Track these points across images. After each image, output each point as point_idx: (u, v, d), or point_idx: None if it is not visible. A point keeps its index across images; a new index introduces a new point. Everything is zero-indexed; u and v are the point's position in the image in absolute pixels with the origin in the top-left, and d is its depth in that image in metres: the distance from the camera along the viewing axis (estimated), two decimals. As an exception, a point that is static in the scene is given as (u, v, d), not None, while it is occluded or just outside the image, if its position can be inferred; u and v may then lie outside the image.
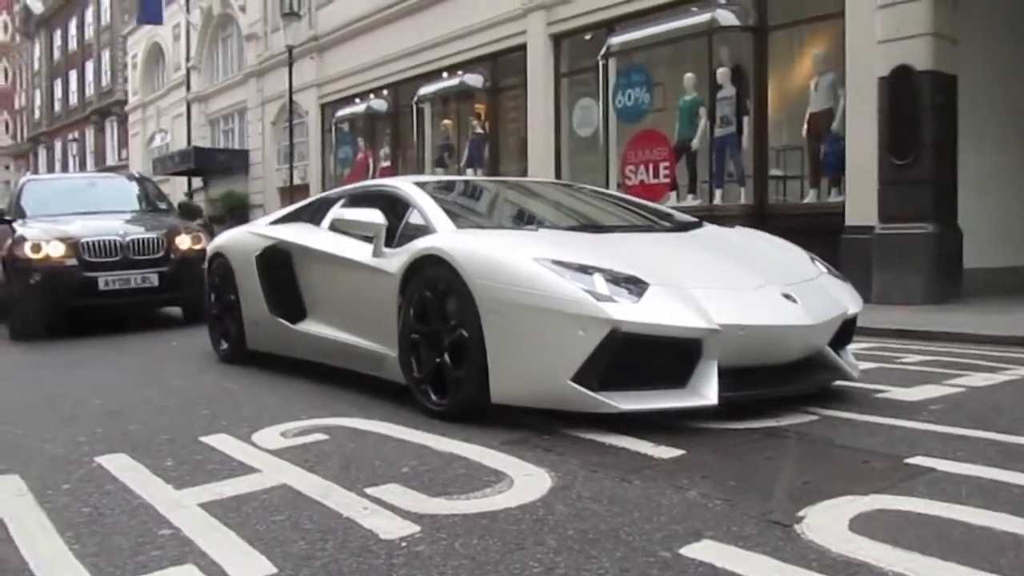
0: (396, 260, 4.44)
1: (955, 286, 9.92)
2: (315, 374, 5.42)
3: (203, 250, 9.20)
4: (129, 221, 9.52)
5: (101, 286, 8.62)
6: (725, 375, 3.66)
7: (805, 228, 11.16)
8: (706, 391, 3.60)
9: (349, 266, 4.88)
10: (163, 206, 10.68)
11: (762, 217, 11.63)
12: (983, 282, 10.15)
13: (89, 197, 10.25)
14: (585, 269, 3.72)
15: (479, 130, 16.41)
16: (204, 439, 3.95)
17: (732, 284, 3.92)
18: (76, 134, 39.73)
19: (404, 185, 5.10)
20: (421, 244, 4.28)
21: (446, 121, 17.33)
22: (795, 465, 3.19)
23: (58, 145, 42.96)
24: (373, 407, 4.44)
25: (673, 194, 12.68)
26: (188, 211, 10.94)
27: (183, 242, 9.22)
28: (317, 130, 20.83)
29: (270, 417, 4.33)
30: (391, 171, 18.65)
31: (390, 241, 4.70)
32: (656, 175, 12.68)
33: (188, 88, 27.19)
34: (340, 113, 19.85)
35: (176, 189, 27.77)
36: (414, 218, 4.72)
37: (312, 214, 5.92)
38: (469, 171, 16.37)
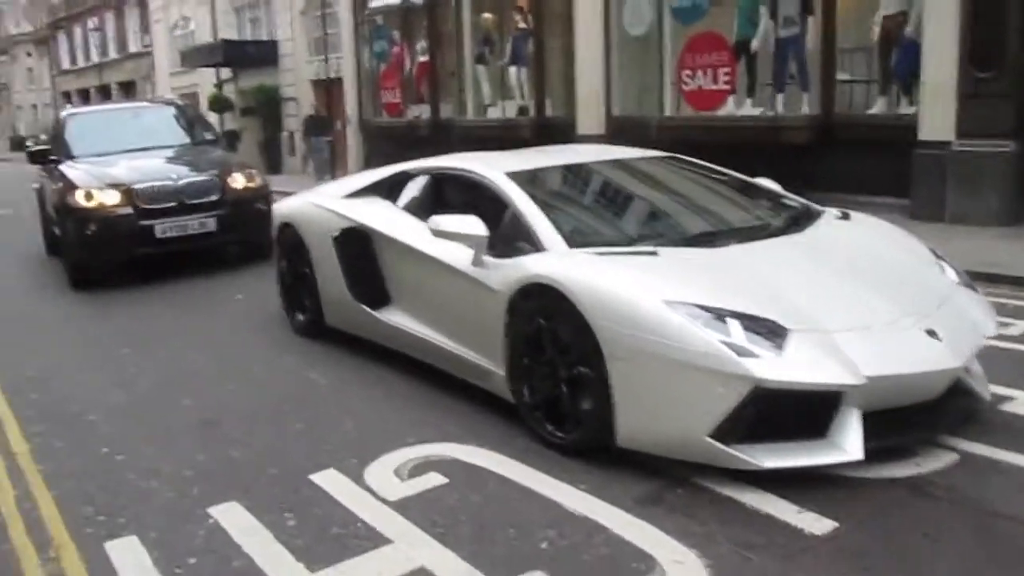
0: (501, 276, 4.19)
1: (1033, 208, 9.52)
2: (402, 363, 5.26)
3: (259, 188, 9.01)
4: (180, 161, 9.25)
5: (158, 234, 8.44)
6: (865, 419, 3.45)
7: (875, 141, 10.70)
8: (850, 444, 3.40)
9: (443, 269, 4.64)
10: (209, 136, 10.35)
11: (829, 129, 11.15)
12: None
13: (133, 131, 9.92)
14: (720, 315, 3.47)
15: (522, 25, 15.64)
16: (314, 478, 3.83)
17: (871, 319, 3.65)
18: (96, 21, 38.69)
19: (494, 176, 4.77)
20: (532, 267, 4.02)
21: (486, 15, 16.54)
22: (958, 553, 3.00)
23: (78, 31, 41.96)
24: (483, 428, 4.27)
25: (731, 99, 12.12)
26: (230, 137, 10.61)
27: (237, 181, 8.96)
28: (349, 22, 19.98)
29: (375, 441, 4.19)
30: (428, 67, 18.01)
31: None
32: (715, 80, 12.10)
33: (210, -27, 26.15)
34: (373, 4, 19.00)
35: (205, 80, 27.15)
36: (515, 223, 4.42)
37: (389, 190, 5.63)
38: (512, 69, 15.76)
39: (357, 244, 5.46)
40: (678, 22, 12.69)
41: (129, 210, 8.40)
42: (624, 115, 14.03)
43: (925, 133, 10.08)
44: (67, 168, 8.95)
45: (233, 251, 9.31)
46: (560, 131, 14.89)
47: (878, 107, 11.07)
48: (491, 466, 3.84)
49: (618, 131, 13.88)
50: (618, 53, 14.05)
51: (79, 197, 8.39)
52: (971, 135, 9.58)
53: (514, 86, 15.91)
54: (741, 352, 3.34)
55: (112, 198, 8.40)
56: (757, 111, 11.94)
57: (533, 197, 4.49)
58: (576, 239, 4.18)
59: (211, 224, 8.62)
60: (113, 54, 37.70)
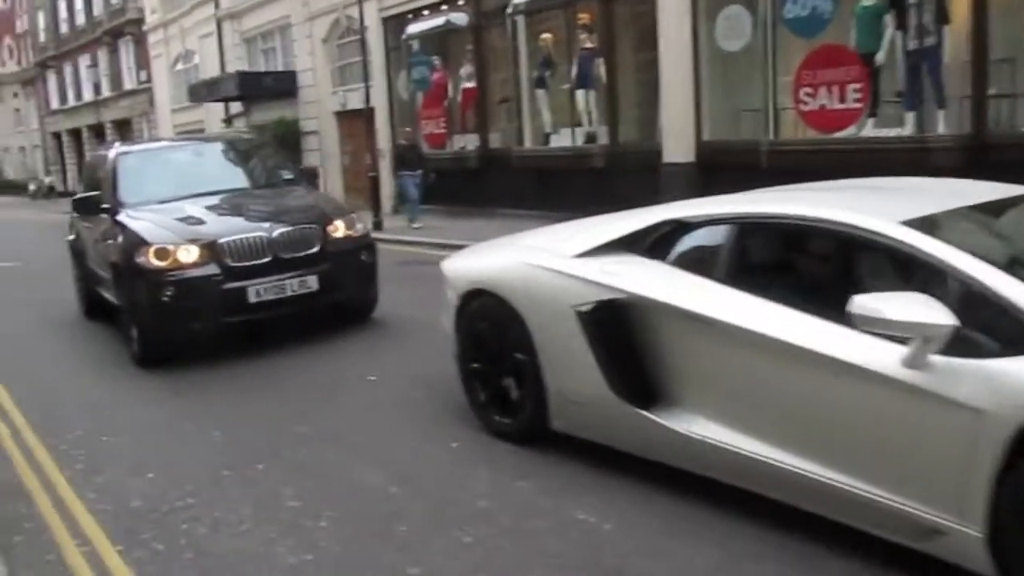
0: (984, 388, 2.64)
1: None
2: (697, 488, 3.68)
3: (362, 236, 7.53)
4: (265, 206, 7.65)
5: (251, 298, 6.81)
6: None
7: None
8: None
9: (827, 367, 3.09)
10: (288, 175, 8.74)
11: (982, 149, 9.72)
12: None
13: (199, 172, 8.33)
14: None
15: (588, 44, 14.19)
16: None
17: None
18: (89, 58, 36.97)
19: (888, 229, 3.20)
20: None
21: (546, 35, 15.08)
22: None
23: (68, 69, 40.11)
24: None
25: (870, 121, 10.68)
26: (308, 176, 9.01)
27: (338, 230, 7.38)
28: (380, 48, 18.50)
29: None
30: (475, 94, 16.56)
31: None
32: (843, 99, 10.66)
33: (217, 4, 24.58)
34: (411, 29, 17.51)
35: (211, 116, 25.57)
36: (976, 302, 2.87)
37: (653, 246, 4.07)
38: (579, 92, 14.28)
39: (621, 322, 3.90)
40: (794, 34, 11.25)
41: (214, 269, 6.79)
42: (717, 140, 12.62)
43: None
44: (129, 219, 7.31)
45: (325, 314, 7.66)
46: (639, 159, 13.47)
47: (1033, 123, 9.70)
48: None
49: (710, 158, 12.47)
50: (709, 71, 12.64)
51: (151, 255, 6.77)
52: None
53: (582, 111, 14.44)
54: None
55: (192, 255, 6.79)
56: (893, 132, 10.51)
57: (992, 262, 2.93)
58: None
59: (312, 282, 7.02)
60: (107, 92, 36.00)
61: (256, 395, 5.95)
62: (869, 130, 10.85)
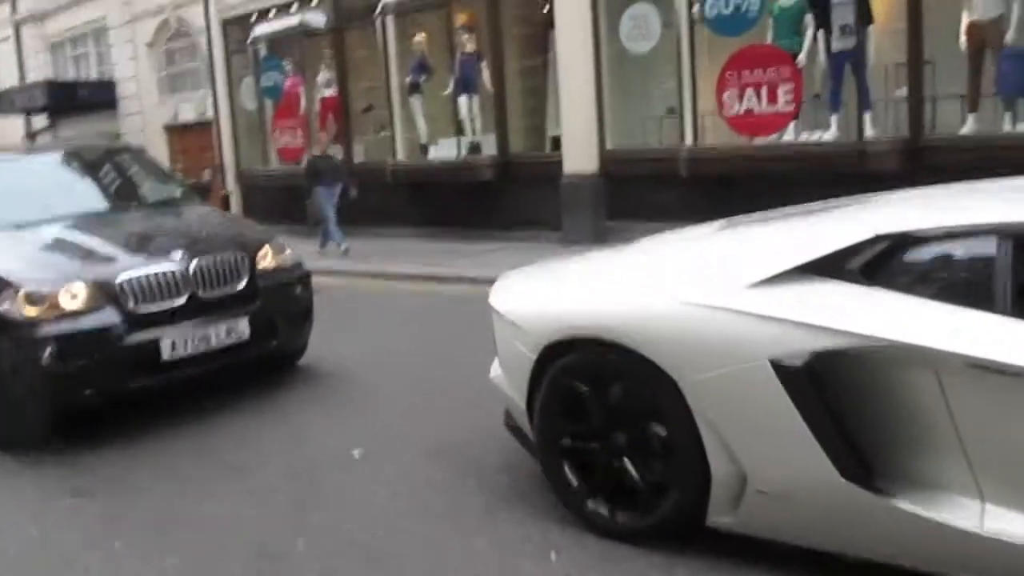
0: None
1: None
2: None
3: (295, 266, 6.01)
4: (169, 231, 5.95)
5: (166, 354, 5.14)
6: None
7: (979, 165, 8.93)
8: None
9: None
10: (178, 191, 7.00)
11: (919, 152, 9.33)
12: None
13: (65, 188, 6.48)
14: None
15: (469, 47, 13.02)
16: None
17: None
18: None
19: None
20: None
21: (419, 37, 13.77)
22: None
23: None
24: None
25: (792, 125, 10.11)
26: (200, 192, 7.29)
27: (266, 258, 5.82)
28: (221, 53, 16.51)
29: None
30: (337, 102, 15.00)
31: None
32: (772, 101, 10.01)
33: (14, 7, 21.49)
34: (258, 31, 15.65)
35: (9, 131, 22.38)
36: None
37: (866, 268, 2.92)
38: (463, 99, 13.08)
39: (852, 377, 2.74)
40: (717, 34, 10.53)
41: (113, 317, 5.07)
42: (622, 148, 11.77)
43: (1062, 155, 8.43)
44: (-25, 254, 5.45)
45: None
46: (535, 170, 12.44)
47: (969, 127, 9.41)
48: None
49: (616, 168, 11.60)
50: (613, 75, 11.76)
51: (21, 302, 4.99)
52: None
53: (464, 119, 13.23)
54: None
55: (79, 299, 5.05)
56: (826, 135, 9.99)
57: None
58: None
59: (243, 328, 5.43)
60: None
61: (207, 488, 4.32)
62: (791, 134, 10.31)
